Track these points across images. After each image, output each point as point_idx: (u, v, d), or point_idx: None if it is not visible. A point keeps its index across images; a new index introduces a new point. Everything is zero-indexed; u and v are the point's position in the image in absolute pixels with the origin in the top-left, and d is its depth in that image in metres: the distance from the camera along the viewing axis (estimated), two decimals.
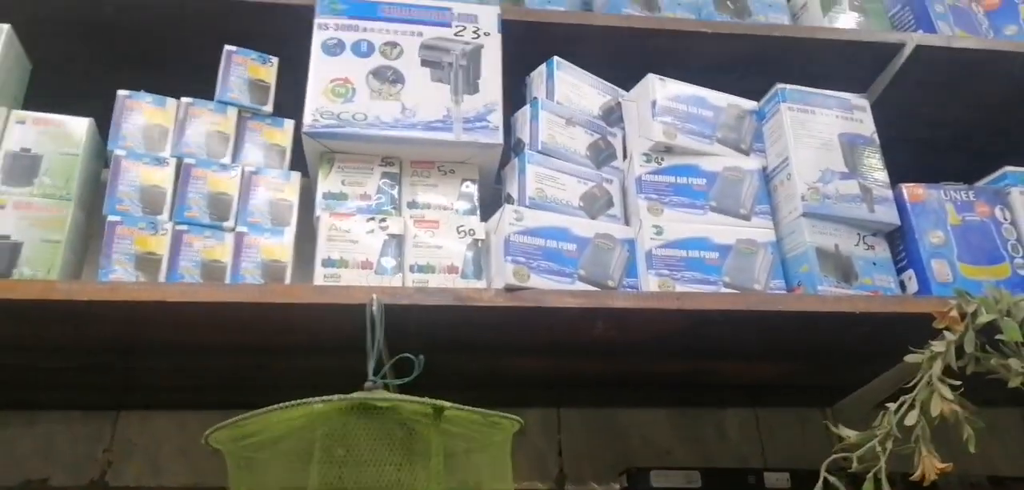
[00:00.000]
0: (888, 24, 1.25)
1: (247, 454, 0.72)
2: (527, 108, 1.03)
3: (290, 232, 0.91)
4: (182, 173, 0.92)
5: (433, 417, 0.68)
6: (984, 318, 0.88)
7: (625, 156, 1.06)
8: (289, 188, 0.94)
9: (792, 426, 1.27)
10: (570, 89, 1.07)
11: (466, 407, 0.70)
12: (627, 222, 1.00)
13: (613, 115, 1.10)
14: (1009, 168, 1.07)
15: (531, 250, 0.90)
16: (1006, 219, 1.03)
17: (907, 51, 1.15)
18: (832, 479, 0.79)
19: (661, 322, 0.92)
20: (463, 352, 0.98)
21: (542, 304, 0.86)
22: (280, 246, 0.90)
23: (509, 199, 0.98)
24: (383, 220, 0.91)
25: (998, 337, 0.87)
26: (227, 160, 0.94)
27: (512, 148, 1.03)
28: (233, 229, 0.90)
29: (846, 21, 1.23)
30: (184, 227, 0.89)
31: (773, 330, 0.96)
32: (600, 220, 0.98)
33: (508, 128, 1.04)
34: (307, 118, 0.93)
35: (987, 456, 1.22)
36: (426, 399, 0.68)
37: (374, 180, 0.95)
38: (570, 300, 0.87)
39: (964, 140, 1.27)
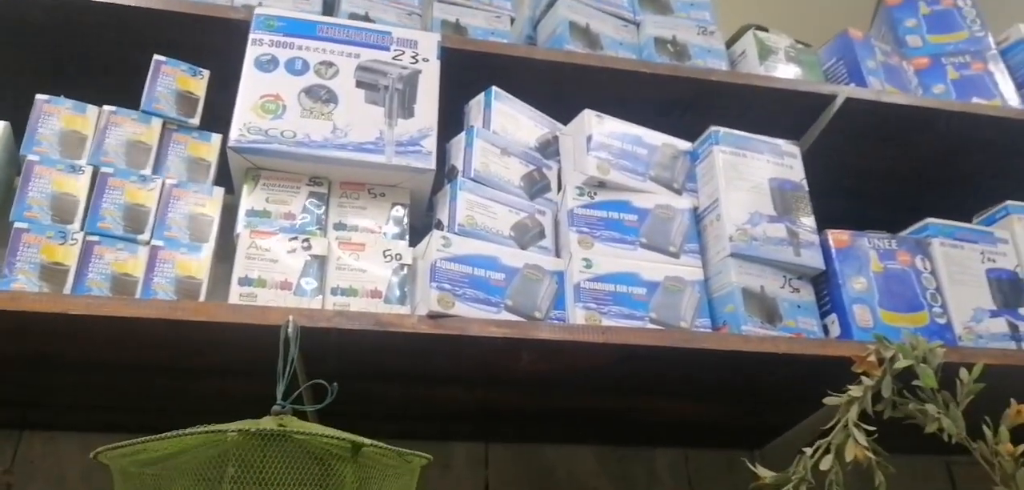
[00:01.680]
0: (822, 76, 1.29)
1: (137, 470, 0.68)
2: (462, 135, 1.03)
3: (208, 249, 0.88)
4: (98, 182, 0.88)
5: (351, 453, 0.66)
6: (901, 363, 0.90)
7: (560, 189, 1.06)
8: (211, 203, 0.91)
9: (721, 468, 1.27)
10: (507, 119, 1.07)
11: (382, 444, 0.68)
12: (558, 254, 1.00)
13: (549, 148, 1.10)
14: (931, 220, 1.10)
15: (457, 278, 0.89)
16: (926, 268, 1.06)
17: (838, 103, 1.19)
18: None
19: (587, 355, 0.92)
20: (385, 380, 0.95)
21: (466, 332, 0.85)
22: (196, 262, 0.87)
23: (439, 225, 0.97)
24: (306, 240, 0.89)
25: (915, 382, 0.89)
26: (147, 172, 0.91)
27: (445, 174, 1.02)
28: (148, 242, 0.87)
29: (782, 71, 1.26)
30: (95, 238, 0.85)
31: (698, 368, 0.96)
32: (531, 250, 0.98)
33: (443, 155, 1.03)
34: (234, 133, 0.91)
35: None
36: (344, 434, 0.66)
37: (300, 199, 0.93)
38: (495, 329, 0.86)
39: (890, 191, 1.31)
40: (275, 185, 0.94)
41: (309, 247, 0.89)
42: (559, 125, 1.12)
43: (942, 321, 1.02)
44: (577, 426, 1.18)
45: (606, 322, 0.92)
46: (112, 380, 0.94)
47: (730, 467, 1.28)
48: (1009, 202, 1.13)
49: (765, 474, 0.85)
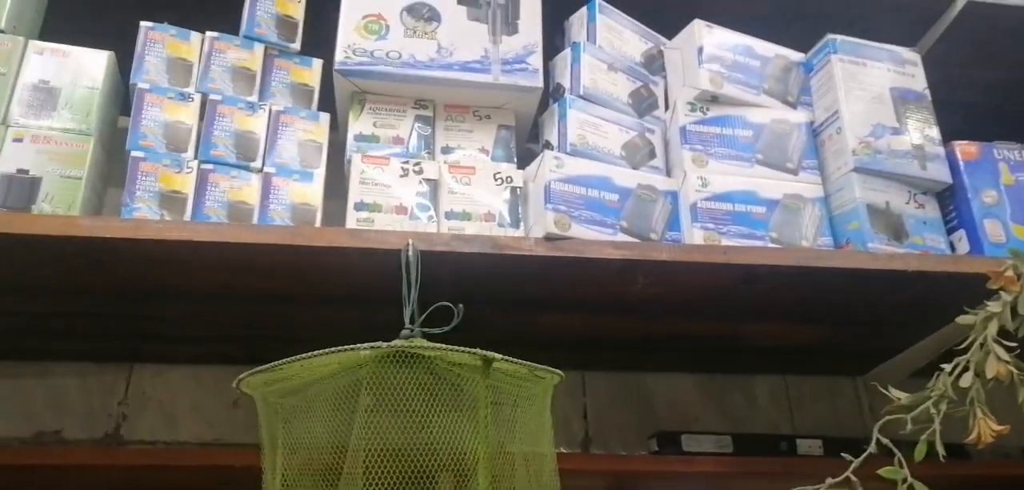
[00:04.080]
0: None
1: (277, 400, 0.68)
2: (568, 51, 0.99)
3: (320, 175, 0.87)
4: (207, 110, 0.87)
5: (481, 368, 0.64)
6: None
7: (667, 106, 1.02)
8: (318, 129, 0.90)
9: (822, 394, 1.24)
10: (612, 34, 1.02)
11: (513, 359, 0.67)
12: (669, 174, 0.96)
13: (655, 63, 1.05)
14: None
15: (572, 199, 0.86)
16: None
17: (958, 7, 1.10)
18: (885, 440, 0.76)
19: (706, 277, 0.89)
20: (495, 306, 0.94)
21: (584, 254, 0.83)
22: (310, 189, 0.86)
23: (548, 146, 0.94)
24: (418, 165, 0.87)
25: None
26: (254, 98, 0.90)
27: (551, 94, 0.99)
28: (260, 170, 0.86)
29: None
30: (210, 166, 0.85)
31: (820, 288, 0.92)
32: (642, 170, 0.94)
33: (547, 74, 0.99)
34: (339, 55, 0.88)
35: None
36: (475, 349, 0.65)
37: (407, 123, 0.91)
38: (612, 251, 0.84)
39: (1013, 101, 1.23)
40: (382, 109, 0.92)
41: (421, 171, 0.86)
42: (663, 39, 1.07)
43: None
44: (676, 354, 1.16)
45: (725, 242, 0.89)
46: (223, 309, 0.95)
47: (831, 393, 1.25)
48: None
49: (898, 395, 0.82)
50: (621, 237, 0.87)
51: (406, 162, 0.87)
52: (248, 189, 0.85)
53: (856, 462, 0.76)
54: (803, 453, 1.08)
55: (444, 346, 0.66)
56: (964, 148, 0.99)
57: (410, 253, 0.77)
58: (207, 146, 0.86)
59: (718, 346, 1.11)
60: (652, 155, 0.96)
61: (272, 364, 0.66)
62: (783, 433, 1.17)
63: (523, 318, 0.97)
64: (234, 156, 0.86)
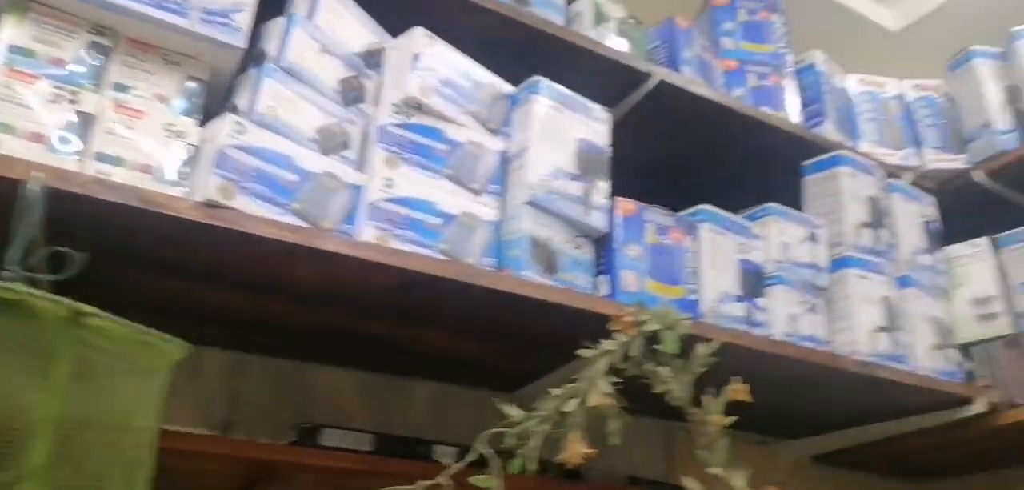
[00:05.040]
0: (646, 55, 1.37)
1: None
2: (282, 19, 0.97)
3: None
4: None
5: (68, 321, 0.61)
6: (650, 328, 1.01)
7: (377, 103, 1.04)
8: None
9: (481, 406, 1.30)
10: (335, 16, 1.02)
11: (117, 319, 0.64)
12: (361, 169, 0.99)
13: (375, 58, 1.07)
14: (705, 206, 1.22)
15: (246, 169, 0.85)
16: (692, 248, 1.18)
17: (652, 83, 1.27)
18: (484, 449, 0.85)
19: (372, 275, 0.92)
20: (144, 269, 0.90)
21: (242, 228, 0.82)
22: None
23: (235, 110, 0.91)
24: (73, 93, 0.80)
25: (657, 347, 1.00)
26: None
27: (253, 57, 0.96)
28: None
29: (612, 40, 1.32)
30: None
31: (475, 305, 1.00)
32: (332, 158, 0.95)
33: (255, 37, 0.96)
34: None
35: (630, 459, 1.39)
36: (64, 299, 0.61)
37: (76, 46, 0.83)
38: (274, 230, 0.84)
39: (679, 173, 1.43)
40: (49, 24, 0.83)
41: (76, 102, 0.80)
42: (389, 37, 1.09)
43: (694, 297, 1.15)
44: (341, 348, 1.18)
45: (394, 244, 0.94)
46: None
47: (488, 404, 1.34)
48: (771, 204, 1.29)
49: (513, 412, 0.92)
50: (290, 219, 0.88)
51: (60, 87, 0.80)
52: None
53: (454, 468, 0.84)
54: (437, 458, 1.11)
55: (29, 291, 0.61)
56: (624, 205, 1.14)
57: (32, 186, 0.71)
58: None
59: (382, 346, 1.16)
60: (346, 146, 0.98)
61: None
62: (429, 438, 1.21)
63: (176, 287, 0.94)
64: None
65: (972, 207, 1.54)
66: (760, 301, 1.22)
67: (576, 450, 0.92)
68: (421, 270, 0.92)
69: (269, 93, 0.91)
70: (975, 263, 1.45)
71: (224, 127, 0.85)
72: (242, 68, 0.94)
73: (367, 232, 0.93)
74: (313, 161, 0.92)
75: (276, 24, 0.98)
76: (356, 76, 1.03)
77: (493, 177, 1.06)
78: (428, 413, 1.29)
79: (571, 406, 0.94)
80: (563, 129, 1.12)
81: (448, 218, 0.99)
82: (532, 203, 1.04)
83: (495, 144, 1.08)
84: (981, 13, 1.78)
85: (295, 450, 1.00)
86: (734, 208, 1.29)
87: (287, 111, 0.92)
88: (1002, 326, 1.40)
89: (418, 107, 1.03)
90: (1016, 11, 1.64)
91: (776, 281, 1.24)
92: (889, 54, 1.87)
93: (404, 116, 1.02)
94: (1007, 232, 1.46)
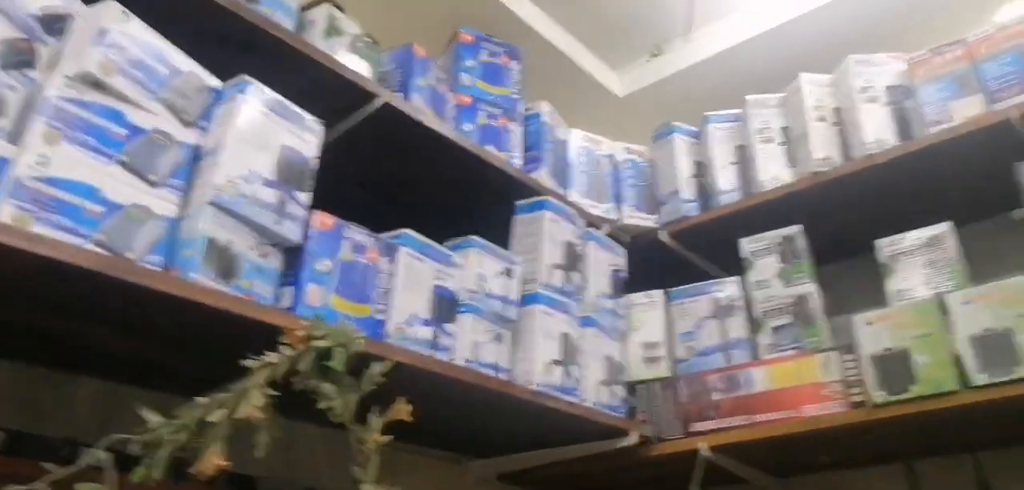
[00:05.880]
0: (377, 76, 1.41)
1: None
2: None
3: None
4: None
5: None
6: (322, 344, 1.04)
7: (51, 73, 0.97)
8: None
9: (162, 408, 1.27)
10: None
11: None
12: (13, 141, 0.91)
13: (58, 25, 0.99)
14: (408, 231, 1.29)
15: None
16: (388, 270, 1.24)
17: (377, 104, 1.32)
18: (100, 452, 0.83)
19: (9, 261, 0.86)
20: None
21: None
22: None
23: None
24: None
25: (329, 363, 1.04)
26: None
27: None
28: None
29: (344, 56, 1.35)
30: None
31: (138, 303, 0.97)
32: None
33: None
34: None
35: (316, 470, 1.40)
36: None
37: None
38: None
39: (407, 192, 1.50)
40: None
41: None
42: (82, 5, 1.02)
43: (381, 317, 1.21)
44: None
45: (37, 229, 0.88)
46: None
47: (167, 409, 1.29)
48: (475, 238, 1.40)
49: (152, 418, 0.90)
50: None
51: None
52: None
53: (59, 473, 0.81)
54: (91, 464, 1.05)
55: None
56: (322, 218, 1.17)
57: None
58: None
59: (38, 338, 1.08)
60: (0, 114, 0.90)
61: None
62: (73, 439, 1.15)
63: None
64: None
65: (656, 262, 1.79)
66: (449, 326, 1.31)
67: (212, 461, 0.92)
68: (65, 260, 0.87)
69: None
70: (649, 311, 1.69)
71: None
72: None
73: (5, 211, 0.86)
74: None
75: None
76: (28, 39, 0.95)
77: (178, 171, 1.03)
78: (90, 414, 1.21)
79: (217, 416, 0.95)
80: (268, 134, 1.12)
81: (112, 207, 0.95)
82: (216, 204, 1.03)
83: (188, 136, 1.06)
84: (694, 90, 2.07)
85: None
86: (452, 233, 1.38)
87: None
88: (663, 369, 1.65)
89: (96, 84, 0.97)
90: (731, 90, 1.85)
91: (467, 309, 1.34)
92: (614, 116, 2.11)
93: (77, 92, 0.96)
94: (677, 288, 1.72)
